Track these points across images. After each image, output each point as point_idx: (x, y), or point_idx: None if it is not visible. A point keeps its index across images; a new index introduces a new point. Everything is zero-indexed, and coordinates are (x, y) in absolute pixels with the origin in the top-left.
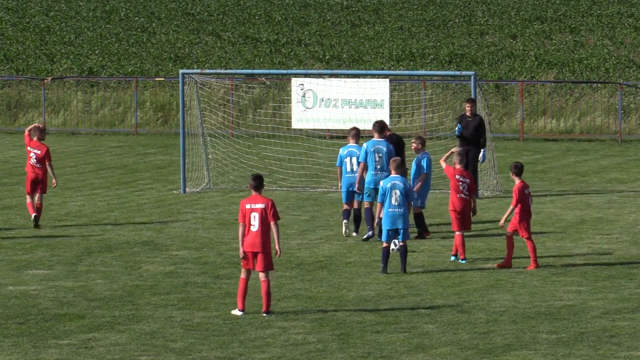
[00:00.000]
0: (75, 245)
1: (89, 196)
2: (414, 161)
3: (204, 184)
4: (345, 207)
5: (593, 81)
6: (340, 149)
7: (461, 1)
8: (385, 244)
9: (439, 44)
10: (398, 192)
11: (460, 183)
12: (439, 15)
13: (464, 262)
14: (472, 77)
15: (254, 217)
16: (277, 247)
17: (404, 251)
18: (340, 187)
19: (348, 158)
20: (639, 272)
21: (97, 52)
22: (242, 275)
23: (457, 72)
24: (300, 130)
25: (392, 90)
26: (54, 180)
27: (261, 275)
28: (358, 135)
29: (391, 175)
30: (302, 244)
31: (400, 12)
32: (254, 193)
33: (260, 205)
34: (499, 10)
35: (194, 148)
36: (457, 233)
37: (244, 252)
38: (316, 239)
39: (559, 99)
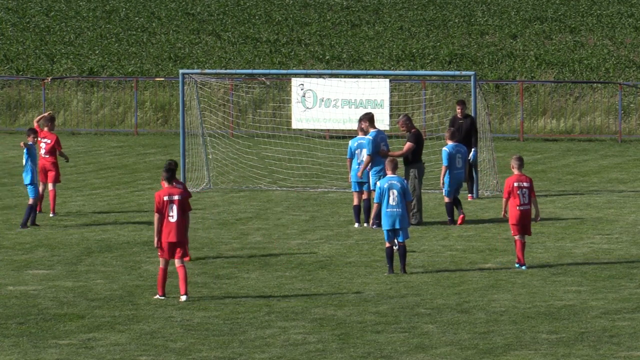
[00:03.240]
0: (75, 245)
1: (89, 196)
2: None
3: (204, 184)
4: (355, 202)
5: (593, 81)
6: (350, 142)
7: (461, 1)
8: (388, 244)
9: (439, 44)
10: (395, 192)
11: (520, 189)
12: (439, 15)
13: (524, 267)
14: (472, 77)
15: (172, 208)
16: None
17: (403, 251)
18: (350, 178)
19: (358, 150)
20: (639, 272)
21: (97, 52)
22: (162, 265)
23: (457, 72)
24: (300, 130)
25: (392, 90)
26: (67, 159)
27: (177, 262)
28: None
29: (388, 175)
30: (302, 244)
31: (400, 12)
32: (167, 185)
33: (177, 197)
34: (499, 10)
35: (194, 148)
36: (517, 238)
37: (167, 242)
38: (316, 239)
39: (559, 99)
